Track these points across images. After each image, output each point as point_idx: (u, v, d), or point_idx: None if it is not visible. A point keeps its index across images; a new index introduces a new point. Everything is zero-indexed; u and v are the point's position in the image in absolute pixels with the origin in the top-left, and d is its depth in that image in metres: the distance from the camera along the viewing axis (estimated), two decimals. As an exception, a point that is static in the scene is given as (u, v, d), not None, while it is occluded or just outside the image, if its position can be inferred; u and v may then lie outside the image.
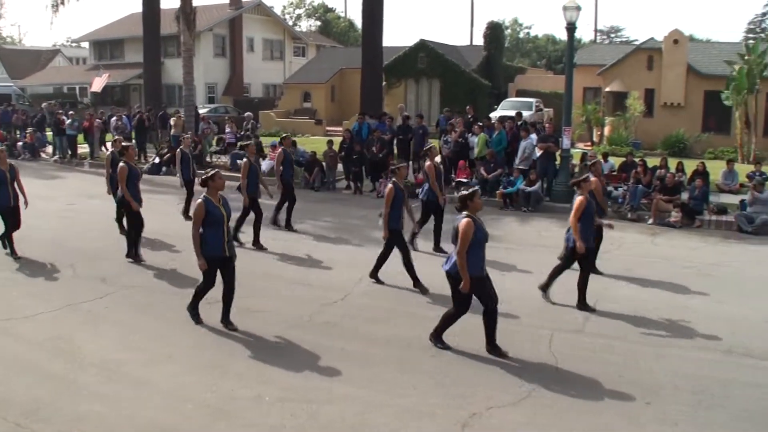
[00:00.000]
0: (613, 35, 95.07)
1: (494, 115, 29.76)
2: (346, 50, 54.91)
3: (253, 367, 8.50)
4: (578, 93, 34.62)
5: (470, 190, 8.89)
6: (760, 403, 7.82)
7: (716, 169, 22.20)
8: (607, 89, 35.68)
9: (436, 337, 9.20)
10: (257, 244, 14.29)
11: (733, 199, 19.49)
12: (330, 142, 23.29)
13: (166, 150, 26.22)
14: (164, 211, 17.72)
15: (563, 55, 22.78)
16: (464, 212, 8.73)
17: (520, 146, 20.29)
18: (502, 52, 46.75)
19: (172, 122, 28.39)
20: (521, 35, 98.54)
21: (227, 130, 28.30)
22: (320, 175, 22.23)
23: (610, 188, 19.50)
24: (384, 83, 34.35)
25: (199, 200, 9.42)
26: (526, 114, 31.24)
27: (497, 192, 19.66)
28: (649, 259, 13.99)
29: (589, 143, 34.01)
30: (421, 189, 14.86)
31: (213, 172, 9.68)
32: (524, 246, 14.97)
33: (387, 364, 8.69)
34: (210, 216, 9.34)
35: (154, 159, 26.19)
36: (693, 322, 10.38)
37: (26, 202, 13.50)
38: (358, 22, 60.29)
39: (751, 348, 9.46)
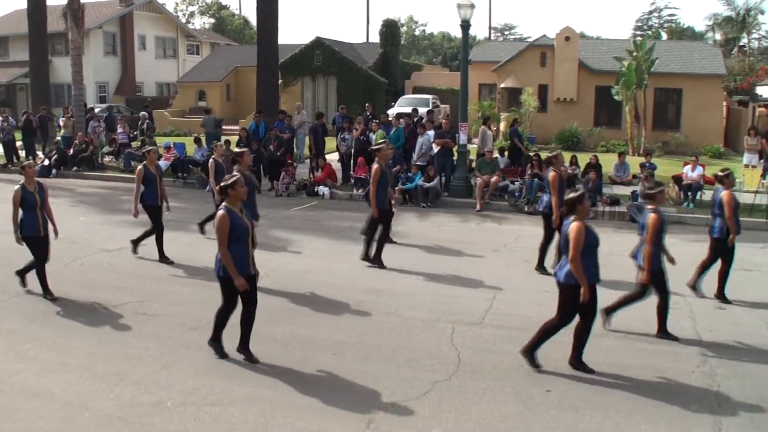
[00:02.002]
0: (507, 33, 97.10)
1: (391, 112, 29.92)
2: (241, 48, 54.35)
3: (152, 372, 8.27)
4: (474, 89, 35.16)
5: (578, 193, 8.25)
6: (652, 386, 8.07)
7: (608, 162, 22.89)
8: (502, 85, 36.29)
9: (527, 351, 8.56)
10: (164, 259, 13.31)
11: (625, 191, 20.16)
12: (227, 142, 22.96)
13: (54, 152, 25.31)
14: (56, 215, 17.13)
15: (458, 52, 23.07)
16: (572, 216, 8.25)
17: (417, 142, 20.45)
18: (398, 50, 47.03)
19: (61, 123, 27.55)
20: (417, 33, 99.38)
21: (119, 130, 27.54)
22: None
23: (506, 182, 19.90)
24: (280, 81, 34.09)
25: (221, 211, 8.25)
26: (423, 110, 31.54)
27: (396, 188, 19.74)
28: (550, 251, 14.27)
29: (485, 138, 34.50)
30: (364, 191, 14.77)
31: (234, 179, 8.42)
32: (424, 241, 15.08)
33: (290, 363, 8.60)
34: (236, 229, 8.24)
35: (43, 161, 25.28)
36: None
37: (56, 232, 11.35)
38: (253, 20, 59.76)
39: (645, 333, 9.79)
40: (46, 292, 10.95)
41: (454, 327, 9.91)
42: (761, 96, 45.53)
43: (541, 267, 12.70)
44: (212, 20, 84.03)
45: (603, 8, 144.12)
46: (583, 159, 21.71)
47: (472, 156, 22.05)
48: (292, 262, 12.76)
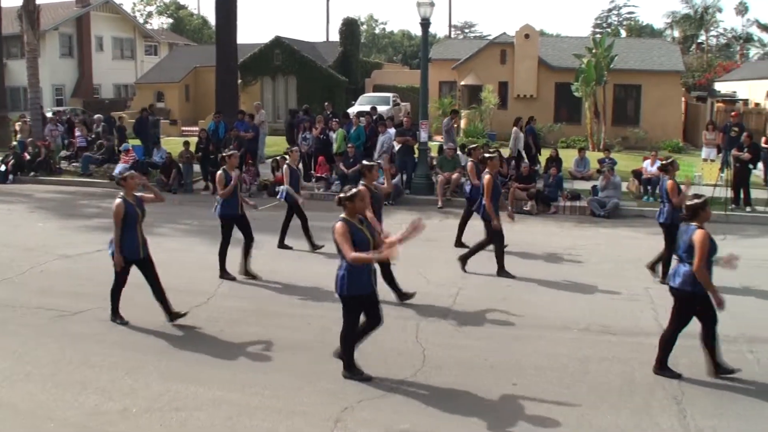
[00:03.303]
0: (467, 30, 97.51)
1: (352, 110, 29.91)
2: (199, 48, 53.85)
3: (116, 379, 8.15)
4: (434, 87, 35.26)
5: (701, 199, 8.15)
6: (617, 376, 8.17)
7: (569, 158, 23.08)
8: (462, 83, 36.40)
9: (662, 367, 8.31)
10: None
11: (586, 186, 20.33)
12: (186, 143, 22.81)
13: (11, 157, 24.86)
14: (14, 222, 16.94)
15: (419, 50, 23.13)
16: (693, 223, 8.11)
17: (378, 141, 20.47)
18: (358, 48, 46.98)
19: (17, 127, 27.15)
20: (377, 31, 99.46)
21: (77, 133, 27.18)
22: (178, 177, 21.70)
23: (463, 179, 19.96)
24: (239, 81, 33.89)
25: (339, 223, 7.73)
26: (383, 108, 31.58)
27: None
28: (508, 247, 14.35)
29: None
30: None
31: (355, 191, 7.83)
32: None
33: (255, 365, 8.57)
34: (357, 239, 7.72)
35: (-1, 167, 24.86)
36: (552, 304, 10.79)
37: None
38: (212, 20, 59.27)
39: (607, 325, 9.90)
40: (172, 317, 9.99)
41: (419, 324, 9.94)
42: (719, 92, 46.36)
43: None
44: (170, 20, 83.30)
45: (563, 6, 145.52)
46: (544, 155, 21.85)
47: (433, 153, 22.08)
48: (253, 262, 12.65)
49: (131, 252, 9.69)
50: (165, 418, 7.20)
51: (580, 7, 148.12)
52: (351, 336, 8.11)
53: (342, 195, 7.82)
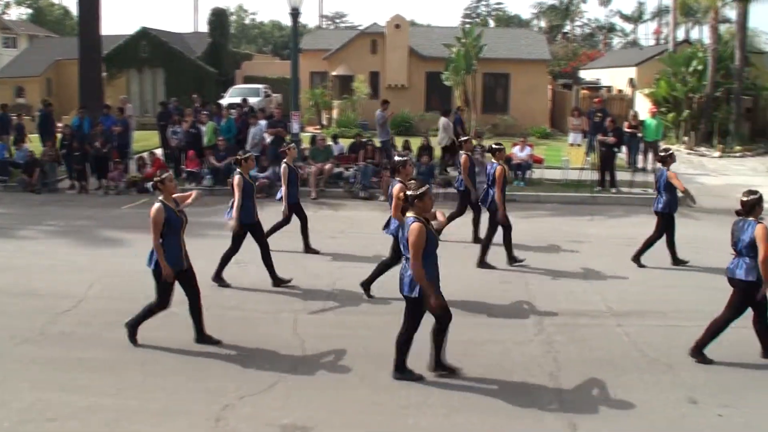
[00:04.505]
0: (338, 21, 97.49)
1: (223, 102, 29.50)
2: (62, 40, 51.87)
3: (-20, 391, 7.76)
4: (305, 78, 35.20)
5: (757, 194, 8.23)
6: (496, 357, 8.39)
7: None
8: (334, 73, 36.41)
9: (697, 350, 8.56)
10: None
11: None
12: (50, 140, 21.93)
13: None
14: None
15: (289, 40, 22.91)
16: (752, 218, 8.20)
17: (249, 133, 20.24)
18: (227, 39, 46.37)
19: None
20: (247, 21, 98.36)
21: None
22: (41, 176, 20.78)
23: (340, 169, 19.99)
24: (104, 74, 32.82)
25: (416, 223, 7.28)
26: (254, 100, 31.27)
27: (229, 180, 19.42)
28: (386, 237, 14.44)
29: (318, 126, 34.58)
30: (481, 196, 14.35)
31: (423, 189, 7.43)
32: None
33: (131, 368, 8.30)
34: (429, 243, 7.37)
35: None
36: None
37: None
38: (74, 9, 57.31)
39: (489, 307, 10.23)
40: (203, 338, 9.06)
41: (297, 317, 9.91)
42: (584, 79, 48.08)
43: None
44: (30, 11, 79.81)
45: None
46: (415, 143, 22.09)
47: (306, 144, 22.00)
48: (126, 263, 12.31)
49: (175, 262, 8.62)
50: (38, 429, 6.91)
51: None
52: (411, 339, 7.89)
53: (412, 193, 7.44)
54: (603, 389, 7.79)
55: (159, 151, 22.88)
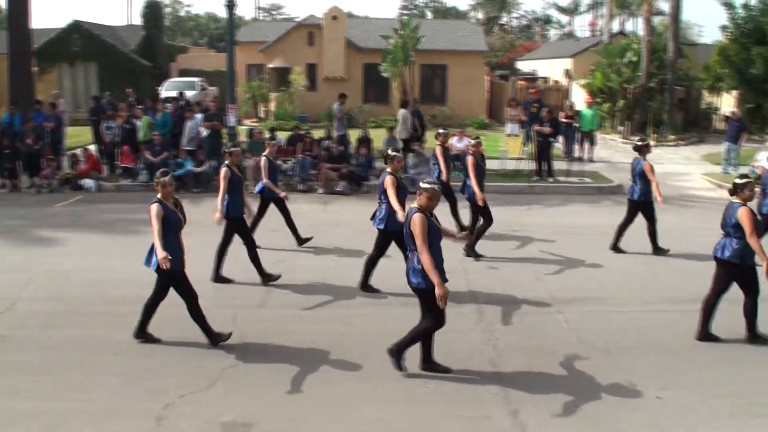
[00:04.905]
0: (274, 12, 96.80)
1: (160, 95, 29.05)
2: (-11, 34, 50.60)
3: None
4: (242, 70, 34.85)
5: (745, 179, 8.71)
6: (437, 347, 8.15)
7: (379, 137, 23.31)
8: (271, 65, 36.06)
9: (703, 335, 8.90)
10: None
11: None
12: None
13: None
14: None
15: (225, 32, 22.62)
16: (738, 201, 8.63)
17: (185, 127, 19.93)
18: (162, 31, 45.61)
19: None
20: (182, 13, 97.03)
21: None
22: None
23: (279, 161, 19.79)
24: (35, 69, 32.04)
25: (417, 213, 7.41)
26: (190, 93, 30.86)
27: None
28: (323, 227, 14.37)
29: (255, 119, 34.29)
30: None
31: (429, 186, 7.52)
32: (199, 228, 14.65)
33: (69, 370, 8.05)
34: (433, 236, 7.46)
35: None
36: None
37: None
38: (3, 2, 55.94)
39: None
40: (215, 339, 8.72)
41: (237, 312, 9.77)
42: (520, 70, 48.54)
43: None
44: (-46, 5, 77.66)
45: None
46: (354, 135, 22.01)
47: (243, 137, 21.75)
48: (61, 261, 12.01)
49: (176, 262, 8.27)
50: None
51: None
52: (431, 332, 7.78)
53: (422, 185, 7.54)
54: (543, 375, 7.85)
55: (93, 147, 22.28)
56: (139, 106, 21.93)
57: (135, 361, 8.27)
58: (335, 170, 18.77)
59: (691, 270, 11.81)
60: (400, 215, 9.70)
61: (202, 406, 7.17)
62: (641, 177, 12.47)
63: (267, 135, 21.05)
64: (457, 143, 20.56)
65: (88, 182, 19.39)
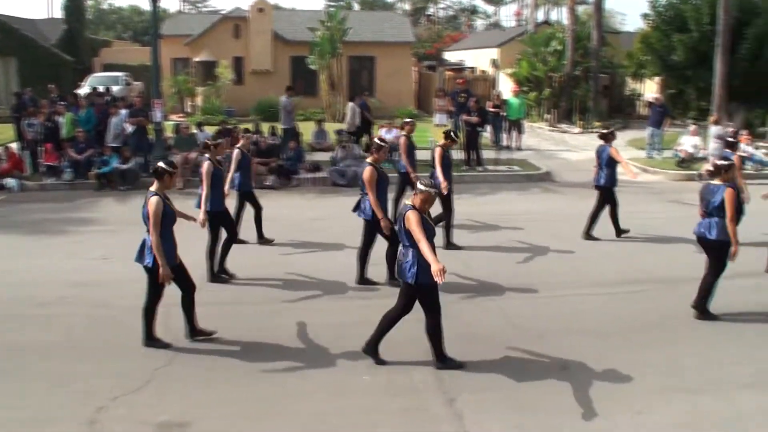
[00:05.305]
0: (199, 5, 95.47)
1: (82, 91, 28.48)
2: None
3: None
4: (167, 64, 34.35)
5: (728, 162, 9.09)
6: (405, 333, 8.22)
7: (307, 130, 23.30)
8: (197, 59, 35.60)
9: (701, 312, 9.27)
10: None
11: (325, 156, 20.67)
12: None
13: None
14: None
15: (149, 26, 22.28)
16: (721, 183, 8.97)
17: (110, 123, 19.57)
18: (84, 25, 44.79)
19: None
20: (104, 6, 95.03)
21: None
22: None
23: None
24: (-49, 65, 31.19)
25: (411, 210, 7.38)
26: (115, 89, 30.36)
27: (90, 173, 18.77)
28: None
29: (182, 114, 33.80)
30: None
31: (425, 189, 7.48)
32: (126, 225, 14.40)
33: (-2, 376, 7.85)
34: (426, 231, 7.37)
35: None
36: (313, 274, 10.96)
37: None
38: None
39: (361, 288, 10.33)
40: (195, 333, 8.72)
41: (169, 310, 9.55)
42: (448, 61, 48.92)
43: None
44: None
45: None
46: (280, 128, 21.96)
47: (170, 133, 21.44)
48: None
49: (169, 257, 8.21)
50: None
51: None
52: (439, 324, 7.73)
53: (420, 187, 7.50)
54: (478, 363, 7.93)
55: (14, 145, 21.69)
56: (62, 103, 21.44)
57: (66, 365, 8.07)
58: (264, 164, 18.64)
59: (620, 254, 12.19)
60: (383, 223, 10.07)
61: (136, 407, 7.05)
62: (608, 164, 12.89)
63: (194, 130, 20.84)
64: (385, 134, 20.60)
65: (10, 181, 18.85)
